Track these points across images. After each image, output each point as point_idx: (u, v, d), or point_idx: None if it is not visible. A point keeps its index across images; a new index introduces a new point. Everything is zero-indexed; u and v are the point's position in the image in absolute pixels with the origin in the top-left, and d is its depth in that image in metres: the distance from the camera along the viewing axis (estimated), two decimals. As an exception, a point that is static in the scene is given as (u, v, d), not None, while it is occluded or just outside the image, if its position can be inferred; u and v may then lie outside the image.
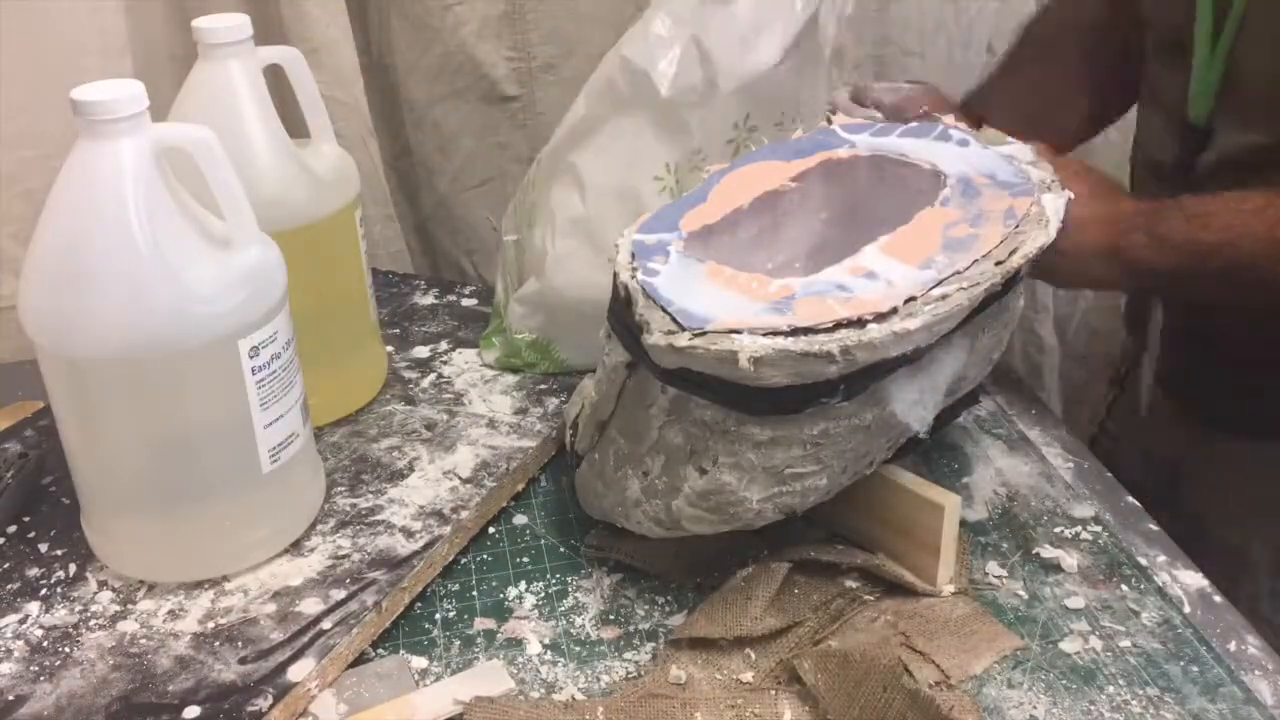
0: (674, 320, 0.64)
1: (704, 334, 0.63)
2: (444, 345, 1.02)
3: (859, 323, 0.62)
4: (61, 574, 0.75)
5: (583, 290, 0.91)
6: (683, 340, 0.63)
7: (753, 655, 0.69)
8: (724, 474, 0.68)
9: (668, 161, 0.88)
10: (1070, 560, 0.76)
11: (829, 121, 0.84)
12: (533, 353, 0.96)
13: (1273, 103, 0.84)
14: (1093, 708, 0.65)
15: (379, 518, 0.79)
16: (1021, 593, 0.74)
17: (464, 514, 0.79)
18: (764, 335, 0.62)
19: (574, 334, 0.93)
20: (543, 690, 0.68)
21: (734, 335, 0.62)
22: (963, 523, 0.77)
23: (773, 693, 0.66)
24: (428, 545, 0.76)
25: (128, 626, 0.71)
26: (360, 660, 0.70)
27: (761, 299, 0.65)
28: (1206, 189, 0.84)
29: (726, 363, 0.62)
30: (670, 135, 0.87)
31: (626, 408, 0.72)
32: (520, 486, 0.85)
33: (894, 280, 0.65)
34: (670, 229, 0.72)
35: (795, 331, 0.62)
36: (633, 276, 0.68)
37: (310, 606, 0.72)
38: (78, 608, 0.72)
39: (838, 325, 0.62)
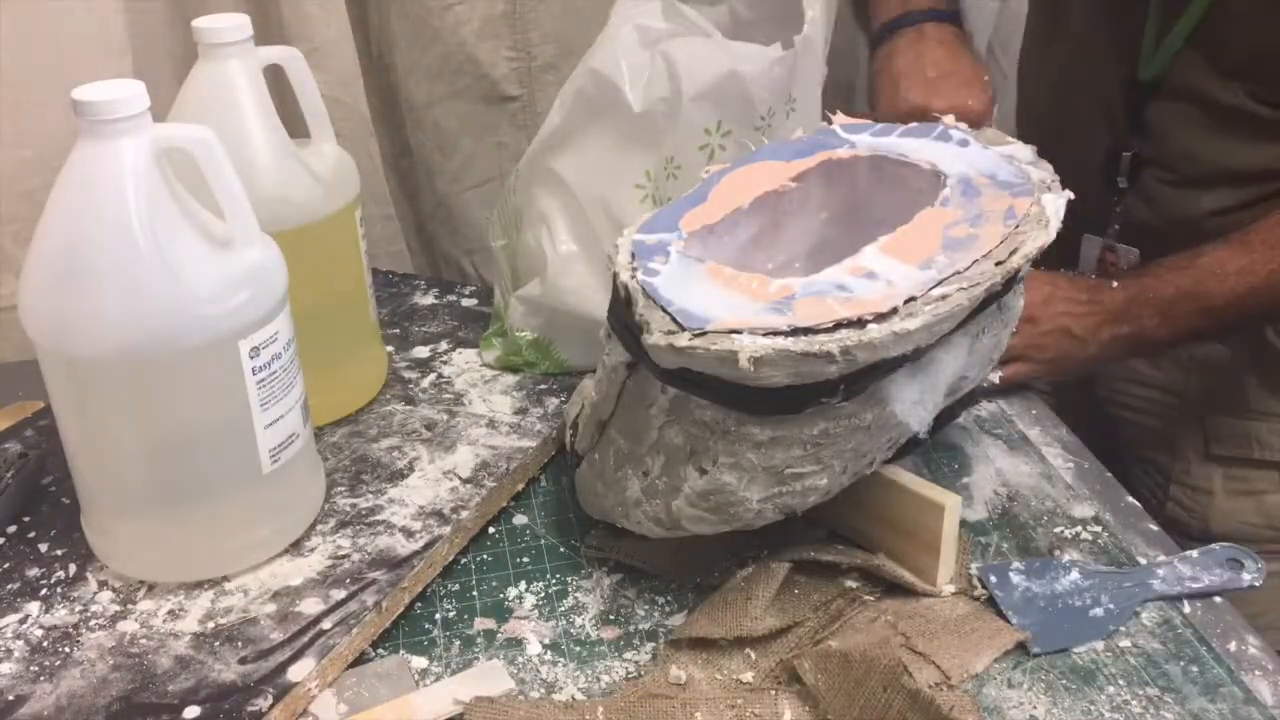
0: (674, 320, 0.64)
1: (704, 334, 0.63)
2: (444, 345, 1.02)
3: (859, 323, 0.62)
4: (61, 574, 0.75)
5: (584, 292, 0.91)
6: (683, 340, 0.63)
7: (753, 655, 0.69)
8: (724, 474, 0.68)
9: (647, 169, 0.89)
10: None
11: (829, 121, 0.84)
12: (534, 352, 0.96)
13: (1255, 66, 0.91)
14: (1093, 708, 0.65)
15: (379, 518, 0.79)
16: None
17: (464, 514, 0.79)
18: (764, 335, 0.62)
19: (574, 334, 0.93)
20: (543, 690, 0.68)
21: (734, 335, 0.62)
22: (963, 523, 0.77)
23: (773, 693, 0.66)
24: (428, 545, 0.76)
25: (128, 626, 0.71)
26: (360, 660, 0.70)
27: (761, 299, 0.65)
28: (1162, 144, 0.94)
29: (726, 363, 0.62)
30: (646, 145, 0.88)
31: (626, 408, 0.73)
32: (520, 486, 0.85)
33: (894, 280, 0.65)
34: (670, 229, 0.72)
35: (795, 331, 0.62)
36: (632, 276, 0.68)
37: (310, 606, 0.72)
38: (78, 608, 0.72)
39: (838, 325, 0.62)
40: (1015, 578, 0.73)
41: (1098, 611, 0.71)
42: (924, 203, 0.73)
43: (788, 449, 0.67)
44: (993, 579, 0.73)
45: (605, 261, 0.90)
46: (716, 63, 0.85)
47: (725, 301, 0.65)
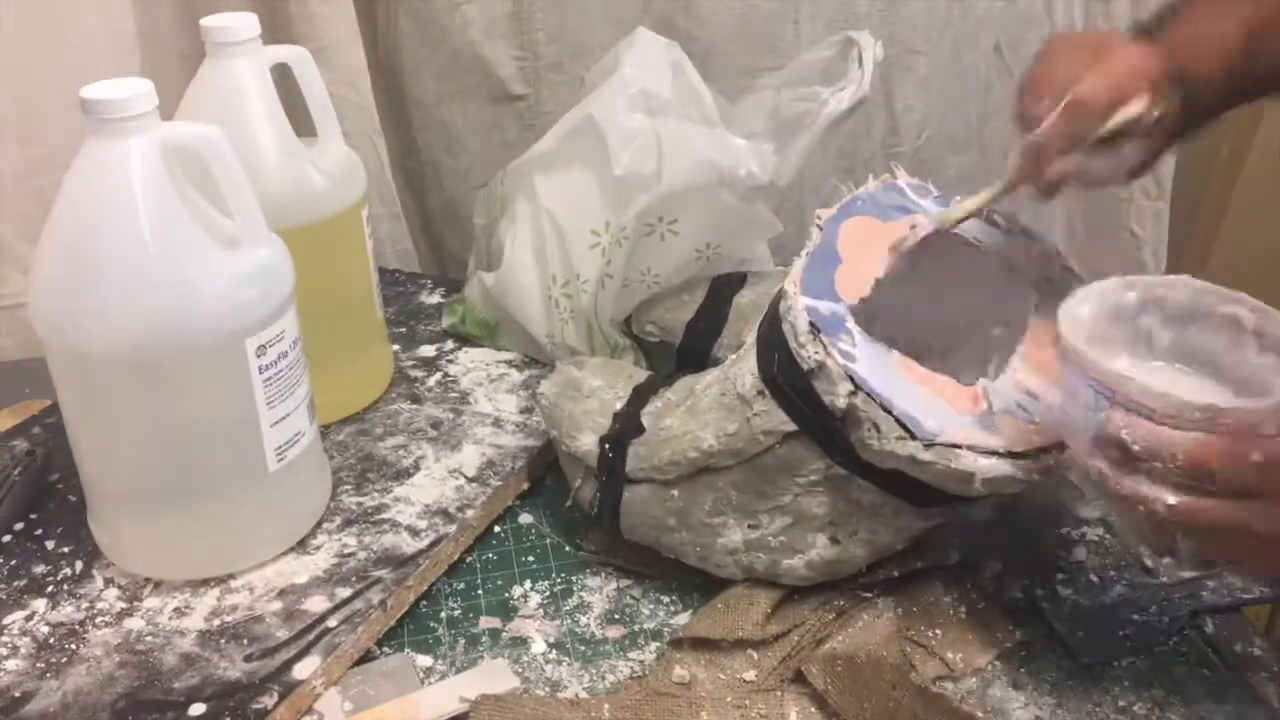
0: (902, 427, 0.63)
1: (932, 446, 0.63)
2: (450, 344, 1.02)
3: (1052, 450, 0.63)
4: (68, 571, 0.75)
5: (522, 297, 0.95)
6: (923, 454, 0.62)
7: (755, 655, 0.69)
8: (857, 548, 0.70)
9: (607, 221, 0.90)
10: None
11: (893, 175, 0.79)
12: (481, 329, 1.01)
13: None
14: (1098, 709, 0.65)
15: (385, 516, 0.79)
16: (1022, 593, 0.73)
17: (469, 512, 0.80)
18: (983, 455, 0.62)
19: (513, 329, 0.98)
20: (547, 689, 0.68)
21: (957, 450, 0.62)
22: (968, 523, 0.77)
23: (778, 693, 0.66)
24: (433, 544, 0.76)
25: (134, 624, 0.71)
26: (365, 658, 0.70)
27: (961, 408, 0.65)
28: None
29: (956, 478, 0.62)
30: (613, 204, 0.90)
31: (761, 469, 0.70)
32: (526, 485, 0.85)
33: (1051, 405, 0.64)
34: (830, 296, 0.69)
35: (1009, 455, 0.63)
36: (828, 355, 0.65)
37: (316, 604, 0.72)
38: (84, 605, 0.72)
39: (1039, 451, 0.63)
40: (1063, 590, 0.73)
41: (1147, 623, 0.71)
42: (1013, 299, 0.74)
43: (921, 526, 0.70)
44: (1039, 591, 0.73)
45: (546, 281, 0.93)
46: (697, 152, 0.86)
47: (930, 407, 0.64)
